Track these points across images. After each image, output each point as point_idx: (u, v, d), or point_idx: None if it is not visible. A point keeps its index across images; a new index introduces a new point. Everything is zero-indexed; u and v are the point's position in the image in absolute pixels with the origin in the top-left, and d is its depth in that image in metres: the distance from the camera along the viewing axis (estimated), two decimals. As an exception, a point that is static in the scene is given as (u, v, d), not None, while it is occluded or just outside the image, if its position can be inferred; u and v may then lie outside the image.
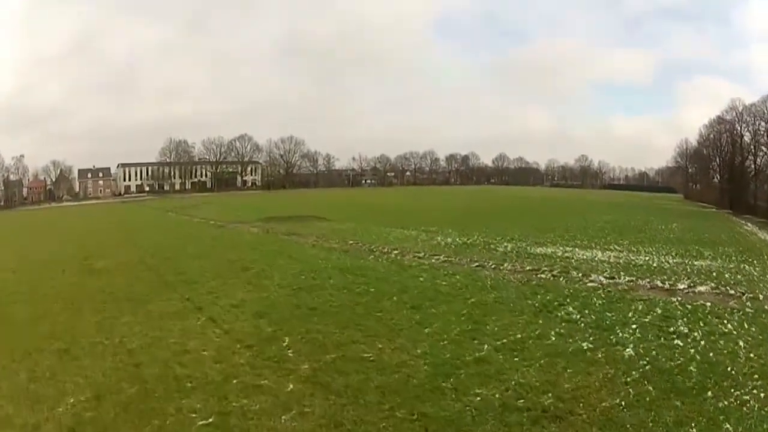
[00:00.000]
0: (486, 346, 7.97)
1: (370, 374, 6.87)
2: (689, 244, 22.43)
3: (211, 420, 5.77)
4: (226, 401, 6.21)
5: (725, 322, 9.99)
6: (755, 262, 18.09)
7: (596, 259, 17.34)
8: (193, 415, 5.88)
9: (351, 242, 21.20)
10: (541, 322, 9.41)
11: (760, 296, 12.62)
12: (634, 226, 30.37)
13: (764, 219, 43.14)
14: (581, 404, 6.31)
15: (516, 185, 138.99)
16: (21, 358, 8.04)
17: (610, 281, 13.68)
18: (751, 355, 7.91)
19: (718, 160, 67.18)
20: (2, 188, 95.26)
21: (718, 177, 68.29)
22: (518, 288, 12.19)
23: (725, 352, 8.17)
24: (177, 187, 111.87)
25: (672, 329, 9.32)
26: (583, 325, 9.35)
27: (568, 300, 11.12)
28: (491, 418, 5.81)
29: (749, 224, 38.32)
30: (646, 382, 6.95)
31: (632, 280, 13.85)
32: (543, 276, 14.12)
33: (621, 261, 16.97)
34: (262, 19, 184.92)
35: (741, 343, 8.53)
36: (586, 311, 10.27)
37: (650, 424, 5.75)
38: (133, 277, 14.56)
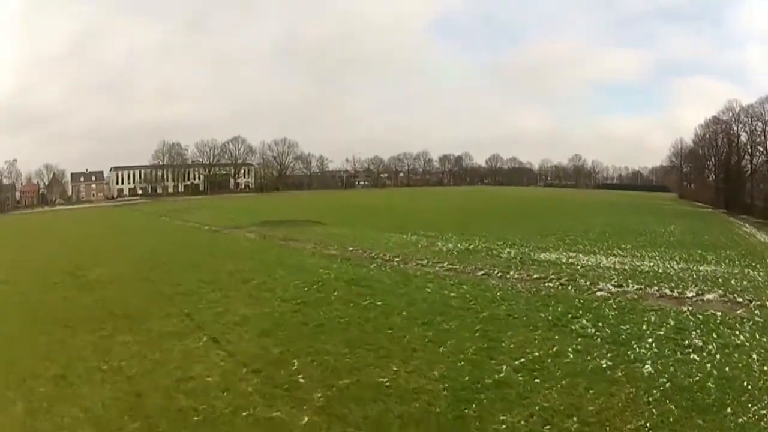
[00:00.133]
0: (505, 367, 7.71)
1: (388, 403, 6.55)
2: (691, 247, 22.35)
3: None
4: (238, 439, 5.88)
5: (737, 333, 10.02)
6: (758, 266, 18.02)
7: (601, 265, 17.15)
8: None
9: (351, 249, 20.87)
10: (557, 337, 9.17)
11: (768, 303, 12.61)
12: (633, 228, 30.25)
13: (761, 219, 43.37)
14: (607, 428, 6.17)
15: (509, 185, 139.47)
16: (16, 385, 7.63)
17: (619, 289, 13.54)
18: (765, 368, 7.93)
19: (713, 159, 67.64)
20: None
21: (714, 176, 68.73)
22: (528, 299, 11.95)
23: (740, 365, 8.21)
24: (170, 190, 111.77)
25: (687, 342, 9.27)
26: (599, 340, 9.17)
27: (580, 312, 10.92)
28: (520, 450, 5.54)
29: (747, 225, 38.44)
30: (667, 401, 6.88)
31: (640, 288, 13.72)
32: (551, 285, 13.91)
33: (626, 267, 16.80)
34: (259, 20, 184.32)
35: (754, 356, 8.57)
36: (600, 324, 10.10)
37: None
38: (128, 289, 14.12)
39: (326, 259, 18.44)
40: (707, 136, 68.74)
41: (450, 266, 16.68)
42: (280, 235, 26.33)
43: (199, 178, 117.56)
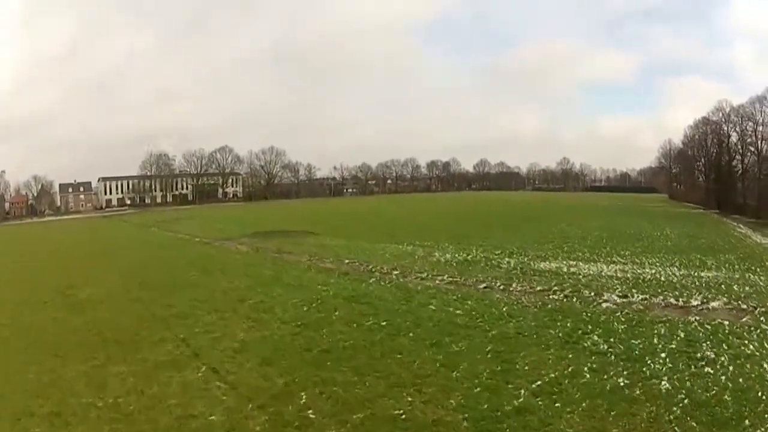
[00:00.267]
0: (522, 391, 7.50)
1: (407, 438, 6.27)
2: (689, 252, 22.45)
3: None
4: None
5: (746, 342, 10.11)
6: (758, 270, 18.15)
7: (603, 274, 17.11)
8: None
9: (347, 261, 20.58)
10: (570, 356, 9.01)
11: (773, 310, 12.67)
12: (629, 233, 30.41)
13: (753, 219, 43.97)
14: (633, 450, 6.01)
15: (497, 190, 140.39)
16: (10, 424, 7.21)
17: (624, 300, 13.50)
18: (778, 377, 7.76)
19: (703, 160, 68.54)
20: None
21: (704, 177, 69.62)
22: (535, 315, 11.78)
23: (753, 376, 8.31)
24: (158, 200, 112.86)
25: (699, 355, 9.28)
26: (613, 357, 9.06)
27: (590, 327, 10.81)
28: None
29: (741, 225, 38.94)
30: (688, 418, 6.88)
31: (645, 298, 13.69)
32: (555, 297, 13.80)
33: (629, 276, 16.78)
34: (246, 29, 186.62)
35: (766, 366, 8.68)
36: (612, 339, 10.00)
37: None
38: (119, 310, 13.62)
39: (323, 273, 18.12)
40: (696, 136, 69.76)
41: (450, 279, 16.49)
42: (273, 248, 25.96)
43: (187, 188, 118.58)
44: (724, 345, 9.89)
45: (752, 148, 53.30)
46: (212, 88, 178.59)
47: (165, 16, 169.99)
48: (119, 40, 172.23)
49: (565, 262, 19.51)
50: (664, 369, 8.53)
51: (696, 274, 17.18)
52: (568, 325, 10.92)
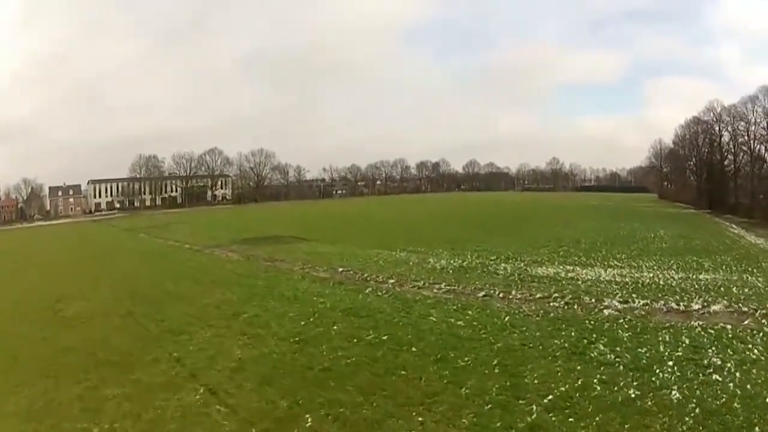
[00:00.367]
0: (534, 407, 7.41)
1: (422, 463, 6.11)
2: (685, 254, 22.65)
3: None
4: None
5: (750, 346, 10.22)
6: (755, 271, 18.37)
7: (602, 279, 17.15)
8: None
9: (341, 270, 20.34)
10: (579, 368, 8.95)
11: (773, 312, 12.80)
12: (623, 235, 30.67)
13: (745, 218, 44.61)
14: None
15: (487, 191, 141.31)
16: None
17: (625, 306, 13.54)
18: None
19: (694, 159, 69.49)
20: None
21: (695, 177, 70.60)
22: (539, 324, 11.71)
23: (759, 381, 8.43)
24: (147, 203, 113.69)
25: (706, 362, 9.34)
26: (621, 367, 9.06)
27: (594, 336, 10.79)
28: None
29: (734, 226, 39.47)
30: (700, 428, 6.96)
31: (647, 304, 13.76)
32: (556, 305, 13.77)
33: (627, 280, 16.83)
34: (235, 32, 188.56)
35: None
36: (618, 349, 10.00)
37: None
38: (110, 327, 13.21)
39: (318, 283, 17.87)
40: (687, 136, 70.72)
41: (448, 287, 16.37)
42: (264, 255, 25.64)
43: (176, 190, 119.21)
44: (729, 350, 9.99)
45: (744, 148, 54.12)
46: (201, 91, 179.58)
47: (155, 20, 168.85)
48: (109, 45, 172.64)
49: (562, 267, 19.52)
50: (673, 378, 8.56)
51: (694, 276, 17.32)
52: (573, 334, 10.89)
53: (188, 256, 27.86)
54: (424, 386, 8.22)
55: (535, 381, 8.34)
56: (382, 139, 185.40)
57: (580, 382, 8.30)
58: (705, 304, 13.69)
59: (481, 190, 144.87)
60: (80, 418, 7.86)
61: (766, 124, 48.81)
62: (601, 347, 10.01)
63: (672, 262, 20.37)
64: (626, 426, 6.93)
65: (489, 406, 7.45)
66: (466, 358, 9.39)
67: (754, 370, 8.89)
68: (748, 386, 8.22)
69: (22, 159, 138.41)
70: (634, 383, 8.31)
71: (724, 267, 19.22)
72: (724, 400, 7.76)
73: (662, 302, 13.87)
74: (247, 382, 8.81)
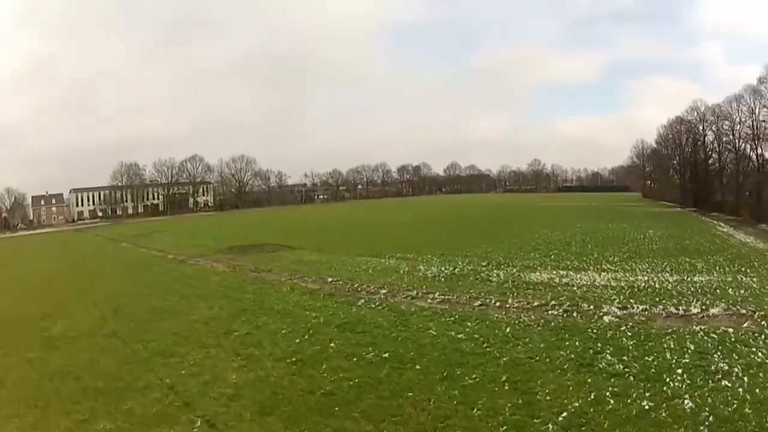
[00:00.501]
0: (551, 426, 7.30)
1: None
2: (678, 255, 23.00)
3: None
4: None
5: (754, 350, 10.38)
6: (749, 271, 18.73)
7: (597, 284, 17.24)
8: None
9: (330, 280, 20.02)
10: (589, 380, 8.90)
11: (771, 313, 13.01)
12: (612, 236, 31.04)
13: (732, 216, 45.69)
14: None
15: (468, 193, 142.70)
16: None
17: (625, 312, 13.61)
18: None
19: (678, 158, 71.04)
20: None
21: (679, 175, 72.18)
22: (541, 334, 11.64)
23: (767, 385, 8.53)
24: (129, 210, 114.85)
25: (713, 368, 9.44)
26: (631, 378, 9.05)
27: (599, 345, 10.78)
28: None
29: (721, 224, 40.34)
30: None
31: (646, 309, 13.85)
32: (555, 312, 13.75)
33: (622, 284, 16.96)
34: (215, 39, 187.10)
35: None
36: (625, 358, 10.00)
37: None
38: (96, 348, 12.60)
39: (308, 295, 17.50)
40: (671, 135, 72.39)
41: (442, 297, 16.24)
42: (250, 265, 25.18)
43: (158, 198, 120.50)
44: (734, 355, 10.11)
45: (729, 147, 55.49)
46: (182, 99, 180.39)
47: (136, 28, 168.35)
48: (90, 54, 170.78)
49: (555, 272, 19.57)
50: (683, 386, 8.61)
51: (689, 279, 17.55)
52: (578, 344, 10.84)
53: (172, 267, 27.18)
54: (434, 409, 7.99)
55: (547, 397, 8.23)
56: (363, 143, 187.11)
57: (592, 396, 8.23)
58: (703, 307, 13.85)
59: (462, 193, 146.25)
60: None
61: (751, 123, 50.08)
62: (609, 357, 9.99)
63: (665, 264, 20.63)
64: (645, 440, 6.85)
65: (504, 427, 7.29)
66: (473, 376, 9.22)
67: (761, 374, 9.03)
68: (757, 391, 8.34)
69: (4, 168, 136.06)
70: (647, 394, 8.30)
71: (717, 268, 19.53)
72: (735, 406, 7.85)
73: (661, 307, 14.00)
74: (246, 411, 8.43)
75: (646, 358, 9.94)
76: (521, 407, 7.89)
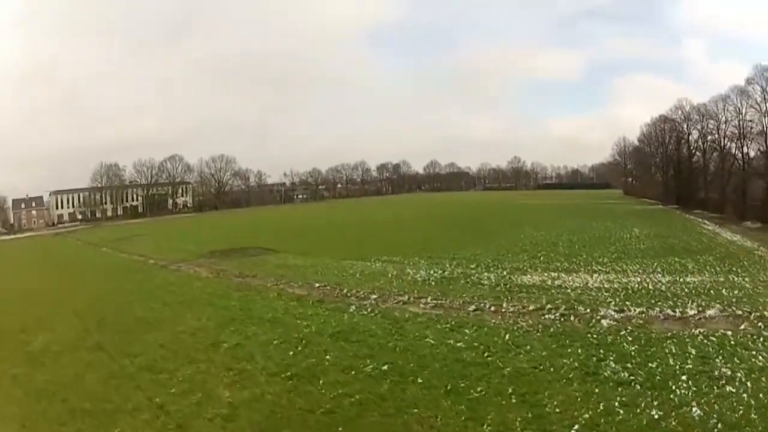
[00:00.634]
0: (564, 440, 7.15)
1: None
2: (666, 255, 23.35)
3: None
4: None
5: (755, 353, 10.56)
6: (739, 270, 19.14)
7: (590, 286, 17.36)
8: None
9: (317, 285, 19.68)
10: (597, 390, 8.88)
11: (766, 313, 13.37)
12: (599, 236, 31.35)
13: (716, 213, 46.73)
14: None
15: (448, 191, 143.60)
16: None
17: (622, 315, 13.73)
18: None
19: (660, 156, 72.44)
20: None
21: (661, 173, 73.60)
22: (541, 341, 11.61)
23: None
24: (109, 213, 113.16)
25: (717, 373, 9.56)
26: (638, 386, 9.07)
27: (602, 352, 10.81)
28: None
29: (706, 222, 41.22)
30: None
31: (642, 311, 13.99)
32: (552, 317, 13.79)
33: (616, 286, 17.12)
34: (197, 39, 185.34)
35: None
36: (629, 365, 10.05)
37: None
38: (81, 363, 12.03)
39: (296, 302, 17.11)
40: (654, 133, 73.79)
41: (435, 301, 16.14)
42: (234, 270, 24.67)
43: (137, 199, 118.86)
44: (735, 359, 10.25)
45: (714, 145, 56.70)
46: (162, 99, 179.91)
47: (117, 30, 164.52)
48: (71, 56, 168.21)
49: (547, 275, 19.63)
50: (690, 394, 8.67)
51: (681, 280, 17.80)
52: (580, 351, 10.84)
53: (154, 273, 26.43)
54: (441, 426, 7.82)
55: (557, 409, 8.15)
56: (343, 144, 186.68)
57: (601, 407, 8.22)
58: (699, 309, 14.06)
59: (442, 191, 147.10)
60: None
61: (738, 123, 51.30)
62: (613, 365, 10.00)
63: (656, 264, 20.91)
64: (658, 452, 6.84)
65: (517, 443, 7.17)
66: (479, 388, 9.08)
67: (763, 379, 9.17)
68: (761, 396, 8.47)
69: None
70: (655, 403, 8.33)
71: (708, 268, 19.88)
72: (741, 412, 7.96)
73: (657, 309, 14.16)
74: (243, 433, 8.14)
75: (650, 364, 9.98)
76: (532, 421, 7.79)
